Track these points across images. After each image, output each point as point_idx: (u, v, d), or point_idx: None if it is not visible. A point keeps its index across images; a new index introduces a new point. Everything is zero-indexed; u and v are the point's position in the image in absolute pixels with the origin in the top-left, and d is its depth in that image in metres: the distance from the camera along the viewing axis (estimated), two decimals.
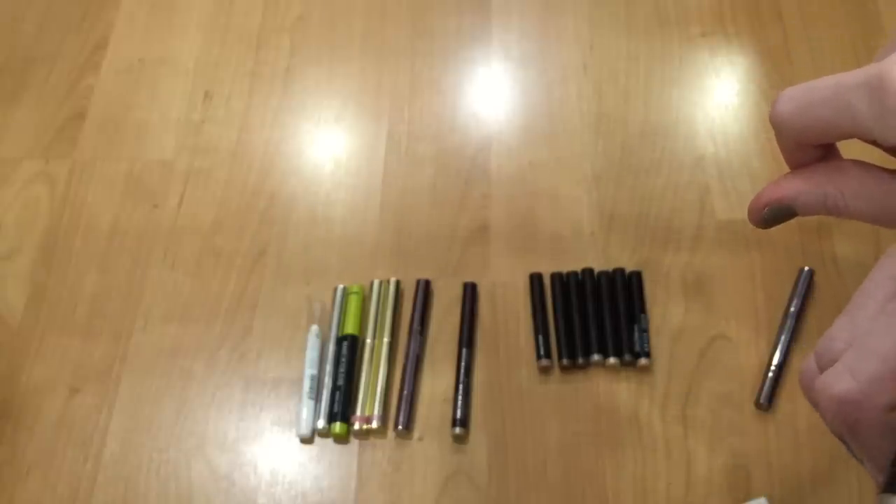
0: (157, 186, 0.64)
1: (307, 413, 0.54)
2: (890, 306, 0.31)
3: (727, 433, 0.53)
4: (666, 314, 0.57)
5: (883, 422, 0.30)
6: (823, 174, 0.31)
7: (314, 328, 0.57)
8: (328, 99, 0.68)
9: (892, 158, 0.31)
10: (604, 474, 0.52)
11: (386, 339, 0.57)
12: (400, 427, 0.54)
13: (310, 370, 0.56)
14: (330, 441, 0.54)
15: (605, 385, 0.55)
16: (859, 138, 0.30)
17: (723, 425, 0.53)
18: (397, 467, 0.53)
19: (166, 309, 0.59)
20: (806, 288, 0.56)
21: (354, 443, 0.54)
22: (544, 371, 0.56)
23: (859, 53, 0.67)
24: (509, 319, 0.58)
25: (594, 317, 0.56)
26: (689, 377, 0.55)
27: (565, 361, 0.55)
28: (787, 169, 0.33)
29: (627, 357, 0.55)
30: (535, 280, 0.58)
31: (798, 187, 0.32)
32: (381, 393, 0.55)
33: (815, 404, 0.34)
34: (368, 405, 0.55)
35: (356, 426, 0.54)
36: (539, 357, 0.55)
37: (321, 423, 0.54)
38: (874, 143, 0.30)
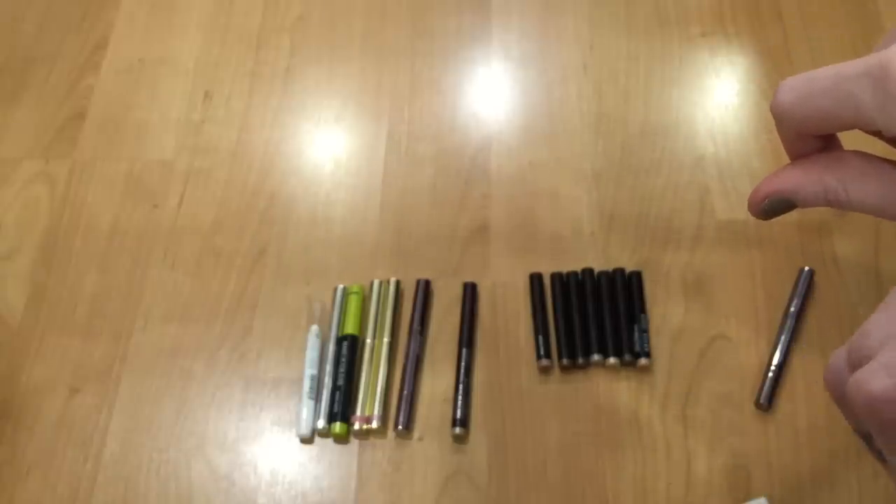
0: (157, 186, 0.64)
1: (307, 413, 0.55)
2: None
3: (727, 433, 0.53)
4: (666, 314, 0.57)
5: None
6: (824, 165, 0.31)
7: (314, 328, 0.57)
8: (328, 99, 0.68)
9: (894, 149, 0.31)
10: (604, 474, 0.52)
11: (386, 339, 0.57)
12: (400, 427, 0.54)
13: (310, 370, 0.56)
14: (330, 441, 0.54)
15: (605, 385, 0.55)
16: (861, 129, 0.30)
17: (723, 425, 0.53)
18: (397, 467, 0.53)
19: (166, 309, 0.59)
20: (806, 288, 0.56)
21: (354, 443, 0.54)
22: (544, 371, 0.56)
23: (859, 53, 0.66)
24: (509, 319, 0.58)
25: (594, 317, 0.56)
26: (689, 377, 0.55)
27: (565, 361, 0.55)
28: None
29: (627, 357, 0.55)
30: (535, 280, 0.58)
31: (798, 179, 0.31)
32: (381, 393, 0.55)
33: (841, 401, 0.33)
34: (368, 405, 0.55)
35: (356, 426, 0.54)
36: (539, 357, 0.55)
37: (321, 423, 0.54)
38: (876, 133, 0.30)
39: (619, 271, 0.58)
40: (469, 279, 0.59)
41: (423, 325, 0.57)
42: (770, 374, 0.54)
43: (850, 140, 0.33)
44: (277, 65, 0.70)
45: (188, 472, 0.54)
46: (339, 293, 0.59)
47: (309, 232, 0.62)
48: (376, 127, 0.66)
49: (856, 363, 0.31)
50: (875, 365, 0.30)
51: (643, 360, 0.55)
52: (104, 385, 0.57)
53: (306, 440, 0.54)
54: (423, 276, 0.59)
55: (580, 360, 0.55)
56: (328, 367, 0.56)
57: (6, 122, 0.68)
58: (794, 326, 0.55)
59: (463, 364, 0.56)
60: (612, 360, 0.55)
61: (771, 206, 0.33)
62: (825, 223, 0.59)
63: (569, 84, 0.67)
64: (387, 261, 0.60)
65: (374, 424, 0.54)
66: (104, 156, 0.66)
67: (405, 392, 0.55)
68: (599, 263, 0.59)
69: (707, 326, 0.56)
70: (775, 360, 0.54)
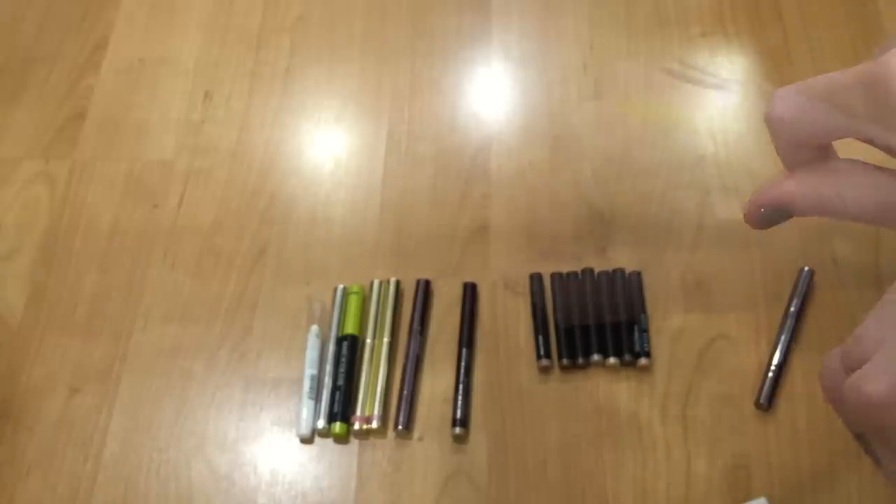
0: (157, 186, 0.64)
1: (307, 413, 0.54)
2: None
3: (727, 433, 0.53)
4: (666, 314, 0.57)
5: None
6: (819, 175, 0.31)
7: (314, 328, 0.57)
8: (328, 99, 0.68)
9: (890, 158, 0.31)
10: (604, 474, 0.52)
11: (386, 339, 0.57)
12: (400, 427, 0.54)
13: (310, 370, 0.56)
14: (330, 441, 0.54)
15: (605, 385, 0.55)
16: (855, 138, 0.30)
17: (723, 425, 0.53)
18: (397, 467, 0.53)
19: (166, 309, 0.59)
20: (806, 288, 0.56)
21: (354, 443, 0.54)
22: (544, 371, 0.56)
23: (859, 53, 0.67)
24: (509, 319, 0.58)
25: (594, 317, 0.56)
26: (689, 377, 0.55)
27: (565, 361, 0.55)
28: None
29: (627, 357, 0.55)
30: (535, 280, 0.58)
31: (793, 189, 0.31)
32: (381, 393, 0.55)
33: (837, 403, 0.33)
34: (368, 405, 0.55)
35: (356, 426, 0.54)
36: (539, 357, 0.55)
37: (321, 423, 0.54)
38: (870, 141, 0.30)
39: (619, 271, 0.58)
40: (469, 279, 0.59)
41: (423, 325, 0.57)
42: (770, 374, 0.54)
43: (846, 148, 0.33)
44: (277, 65, 0.70)
45: (188, 472, 0.54)
46: (339, 293, 0.59)
47: (309, 232, 0.62)
48: (376, 127, 0.66)
49: (851, 366, 0.31)
50: (871, 368, 0.30)
51: (643, 360, 0.55)
52: (104, 385, 0.57)
53: (306, 440, 0.54)
54: (423, 276, 0.59)
55: (580, 360, 0.55)
56: (328, 367, 0.56)
57: (6, 122, 0.68)
58: (794, 326, 0.55)
59: (463, 364, 0.56)
60: (612, 360, 0.55)
61: (767, 217, 0.33)
62: (825, 223, 0.59)
63: (569, 84, 0.67)
64: (387, 261, 0.60)
65: (374, 424, 0.54)
66: (104, 156, 0.66)
67: (405, 392, 0.55)
68: (599, 263, 0.59)
69: (707, 326, 0.56)
70: (775, 360, 0.54)
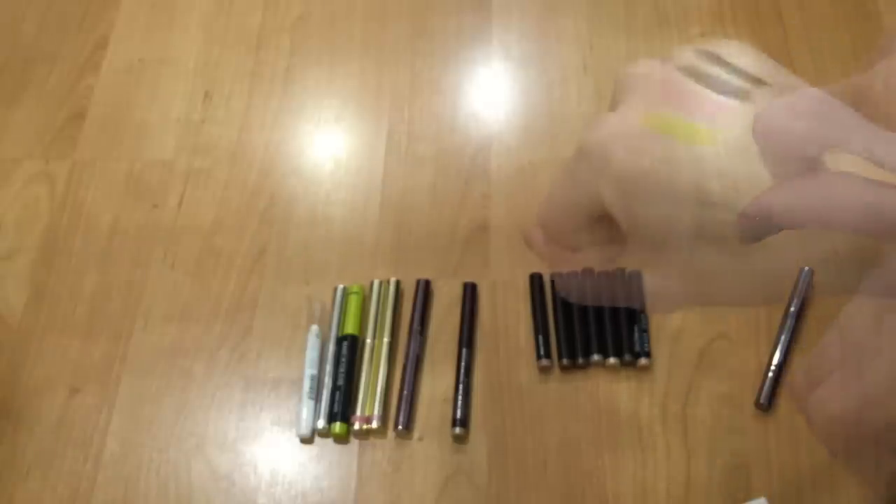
0: (157, 186, 0.64)
1: (307, 413, 0.54)
2: (884, 323, 0.31)
3: (727, 433, 0.53)
4: (666, 314, 0.57)
5: (881, 441, 0.30)
6: (808, 188, 0.31)
7: (314, 328, 0.57)
8: (328, 99, 0.68)
9: (880, 170, 0.30)
10: (604, 474, 0.52)
11: (386, 339, 0.57)
12: (400, 427, 0.54)
13: (310, 370, 0.56)
14: (330, 441, 0.54)
15: (605, 385, 0.55)
16: (839, 150, 0.30)
17: (723, 425, 0.53)
18: (397, 467, 0.53)
19: (166, 309, 0.59)
20: (806, 288, 0.56)
21: (354, 443, 0.54)
22: (544, 371, 0.56)
23: (859, 54, 0.67)
24: (509, 319, 0.58)
25: (594, 317, 0.56)
26: (689, 377, 0.55)
27: (565, 361, 0.55)
28: None
29: (627, 357, 0.55)
30: (536, 280, 0.58)
31: (782, 201, 0.31)
32: (381, 393, 0.55)
33: (808, 418, 0.33)
34: (368, 405, 0.55)
35: (356, 426, 0.54)
36: (539, 357, 0.55)
37: (321, 423, 0.54)
38: (855, 152, 0.29)
39: (619, 271, 0.58)
40: (469, 279, 0.59)
41: (423, 325, 0.57)
42: (770, 375, 0.54)
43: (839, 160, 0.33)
44: (277, 65, 0.70)
45: (188, 472, 0.54)
46: (339, 293, 0.59)
47: (309, 232, 0.62)
48: (376, 127, 0.66)
49: (814, 381, 0.32)
50: (834, 385, 0.30)
51: (643, 360, 0.55)
52: (104, 385, 0.57)
53: (306, 440, 0.54)
54: (423, 276, 0.59)
55: (580, 360, 0.55)
56: (328, 367, 0.56)
57: (6, 122, 0.68)
58: (794, 326, 0.55)
59: (463, 364, 0.56)
60: (612, 360, 0.55)
61: (757, 230, 0.33)
62: None
63: (569, 84, 0.67)
64: (387, 261, 0.60)
65: (374, 424, 0.54)
66: (104, 156, 0.66)
67: (405, 392, 0.55)
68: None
69: (707, 326, 0.56)
70: (775, 360, 0.54)
